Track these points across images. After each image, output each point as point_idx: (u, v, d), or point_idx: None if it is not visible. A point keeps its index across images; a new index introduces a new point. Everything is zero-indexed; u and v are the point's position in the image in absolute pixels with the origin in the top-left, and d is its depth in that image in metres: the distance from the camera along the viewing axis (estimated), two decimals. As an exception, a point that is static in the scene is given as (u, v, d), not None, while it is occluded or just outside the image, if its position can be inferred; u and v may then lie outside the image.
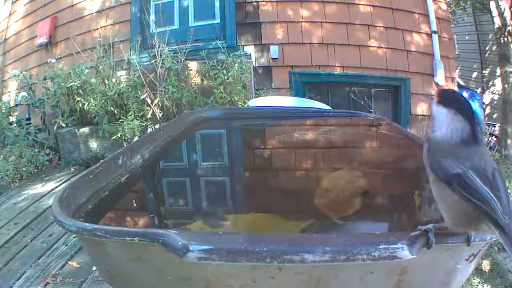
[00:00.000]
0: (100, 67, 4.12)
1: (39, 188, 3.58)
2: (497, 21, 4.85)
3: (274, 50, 4.67)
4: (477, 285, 2.23)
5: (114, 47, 4.36)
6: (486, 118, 7.22)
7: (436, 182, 0.77)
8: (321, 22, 4.75)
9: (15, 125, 4.42)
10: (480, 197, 0.70)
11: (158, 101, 3.99)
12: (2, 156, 3.93)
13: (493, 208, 0.69)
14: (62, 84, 4.04)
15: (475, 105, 5.23)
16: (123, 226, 1.08)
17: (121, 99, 4.05)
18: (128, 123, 3.82)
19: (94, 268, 2.19)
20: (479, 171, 0.72)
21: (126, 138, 3.83)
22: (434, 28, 4.79)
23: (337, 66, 4.73)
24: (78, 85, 4.01)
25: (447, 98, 0.81)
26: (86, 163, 4.06)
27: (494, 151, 5.14)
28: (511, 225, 0.68)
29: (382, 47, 4.77)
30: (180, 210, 1.28)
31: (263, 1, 4.78)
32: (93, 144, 4.09)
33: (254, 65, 4.64)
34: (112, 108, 4.00)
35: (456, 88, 4.99)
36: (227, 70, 4.01)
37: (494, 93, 7.95)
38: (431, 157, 0.78)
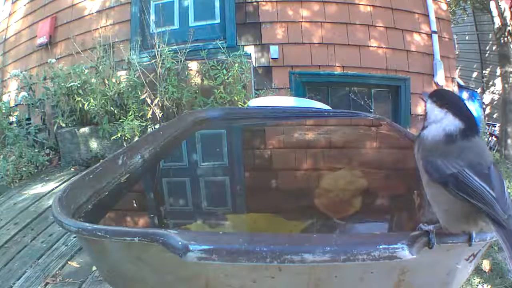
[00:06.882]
0: (100, 67, 4.12)
1: (39, 188, 3.58)
2: (497, 21, 4.84)
3: (274, 50, 4.67)
4: (477, 285, 2.22)
5: (114, 47, 4.35)
6: (486, 118, 7.21)
7: (430, 183, 0.74)
8: (321, 22, 4.75)
9: (15, 125, 4.42)
10: (479, 196, 0.68)
11: (158, 101, 3.99)
12: (2, 156, 3.92)
13: (491, 205, 0.67)
14: (62, 84, 4.04)
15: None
16: (123, 226, 1.08)
17: (121, 99, 4.05)
18: (128, 123, 3.82)
19: (94, 268, 2.19)
20: (476, 168, 0.70)
21: (126, 138, 3.83)
22: (434, 28, 4.79)
23: (337, 66, 4.73)
24: (78, 85, 4.01)
25: (438, 96, 0.80)
26: (86, 163, 4.06)
27: (494, 151, 5.13)
28: (509, 221, 0.67)
29: (382, 47, 4.77)
30: (180, 210, 1.28)
31: (263, 1, 4.77)
32: (93, 144, 4.09)
33: (254, 65, 4.64)
34: (112, 108, 4.00)
35: (456, 88, 4.99)
36: (227, 70, 4.01)
37: (494, 93, 7.95)
38: (424, 158, 0.76)
